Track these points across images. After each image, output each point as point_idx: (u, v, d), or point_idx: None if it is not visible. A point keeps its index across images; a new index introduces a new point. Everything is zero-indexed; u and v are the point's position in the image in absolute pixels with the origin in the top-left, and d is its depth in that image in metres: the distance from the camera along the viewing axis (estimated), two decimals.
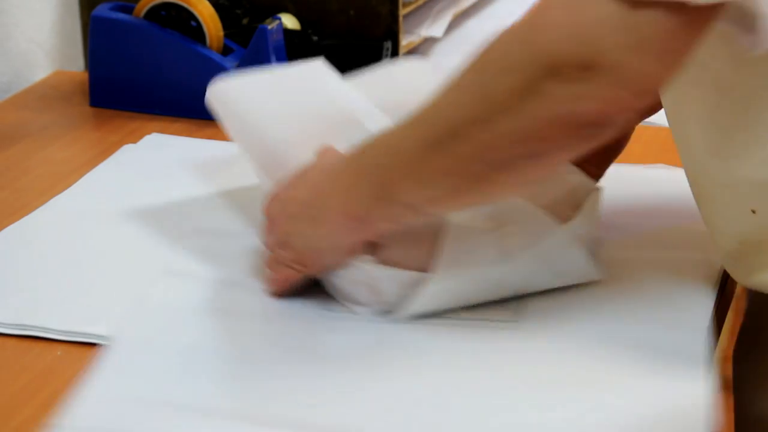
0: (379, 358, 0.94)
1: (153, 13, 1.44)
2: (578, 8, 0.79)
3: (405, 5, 1.51)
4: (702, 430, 0.85)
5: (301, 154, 1.02)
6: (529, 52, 0.81)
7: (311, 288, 1.02)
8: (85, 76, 1.51)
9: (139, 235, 1.14)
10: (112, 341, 0.95)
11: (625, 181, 1.17)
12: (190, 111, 1.43)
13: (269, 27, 1.40)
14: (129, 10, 1.45)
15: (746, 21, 0.81)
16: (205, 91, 1.42)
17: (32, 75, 1.57)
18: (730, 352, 1.04)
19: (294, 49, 1.47)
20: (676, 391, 0.89)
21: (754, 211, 0.93)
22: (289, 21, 1.50)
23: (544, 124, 0.82)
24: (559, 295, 1.02)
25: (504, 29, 0.84)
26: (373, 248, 0.97)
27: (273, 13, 1.49)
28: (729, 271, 1.00)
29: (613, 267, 1.05)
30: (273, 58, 1.40)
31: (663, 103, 0.97)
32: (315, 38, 1.49)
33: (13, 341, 0.98)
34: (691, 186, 1.00)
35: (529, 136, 0.83)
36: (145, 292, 1.02)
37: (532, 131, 0.83)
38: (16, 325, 0.99)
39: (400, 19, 1.48)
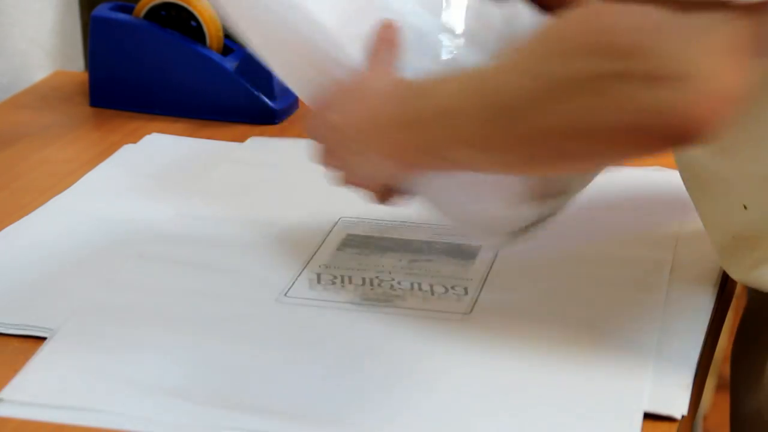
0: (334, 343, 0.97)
1: (153, 13, 1.44)
2: (651, 15, 0.76)
3: None
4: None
5: (348, 51, 0.94)
6: (603, 51, 0.78)
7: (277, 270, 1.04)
8: (85, 76, 1.51)
9: (138, 235, 1.14)
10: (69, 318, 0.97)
11: (620, 183, 1.17)
12: (190, 111, 1.43)
13: None
14: (129, 10, 1.45)
15: None
16: (205, 91, 1.43)
17: (32, 75, 1.57)
18: (728, 352, 1.04)
19: None
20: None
21: (745, 207, 0.93)
22: None
23: (609, 128, 0.80)
24: (527, 288, 1.03)
25: (568, 15, 0.80)
26: None
27: None
28: (725, 267, 1.00)
29: (607, 266, 1.06)
30: None
31: None
32: None
33: (14, 341, 0.98)
34: (684, 181, 0.99)
35: (591, 136, 0.81)
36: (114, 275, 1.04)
37: (594, 131, 0.80)
38: (16, 325, 0.99)
39: None
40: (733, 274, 0.99)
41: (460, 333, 0.98)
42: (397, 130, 0.91)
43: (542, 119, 0.82)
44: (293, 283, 1.05)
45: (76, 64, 1.65)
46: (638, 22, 0.77)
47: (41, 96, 1.51)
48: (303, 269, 1.07)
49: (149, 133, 1.38)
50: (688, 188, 0.99)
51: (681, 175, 1.00)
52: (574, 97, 0.80)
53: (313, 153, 0.97)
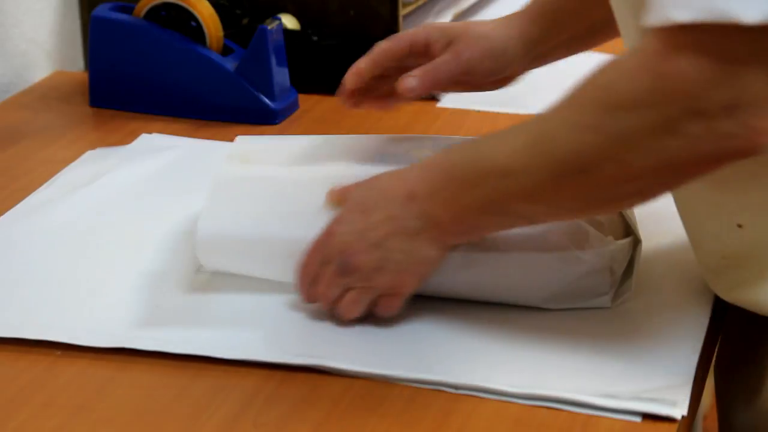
0: None
1: (153, 13, 1.44)
2: (705, 46, 0.79)
3: (405, 5, 1.51)
4: None
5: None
6: (663, 94, 0.81)
7: None
8: (85, 76, 1.51)
9: (138, 235, 1.14)
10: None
11: None
12: (190, 111, 1.43)
13: (269, 27, 1.40)
14: (129, 10, 1.45)
15: None
16: (204, 91, 1.43)
17: (32, 75, 1.57)
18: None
19: (294, 49, 1.47)
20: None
21: (740, 226, 0.94)
22: (289, 21, 1.50)
23: (689, 162, 0.83)
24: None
25: (617, 66, 0.84)
26: None
27: (273, 13, 1.49)
28: (710, 285, 1.00)
29: None
30: (273, 58, 1.40)
31: None
32: (315, 38, 1.50)
33: (11, 342, 0.98)
34: (675, 202, 1.00)
35: (670, 173, 0.84)
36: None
37: (673, 168, 0.83)
38: (10, 326, 0.99)
39: (400, 19, 1.48)
40: (719, 293, 1.00)
41: None
42: (459, 192, 0.92)
43: (619, 169, 0.84)
44: None
45: (76, 64, 1.65)
46: (697, 62, 0.79)
47: (41, 96, 1.51)
48: None
49: (149, 133, 1.38)
50: (678, 209, 1.00)
51: (674, 200, 1.00)
52: (652, 143, 0.82)
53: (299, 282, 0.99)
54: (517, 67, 1.10)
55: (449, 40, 1.09)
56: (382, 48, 1.11)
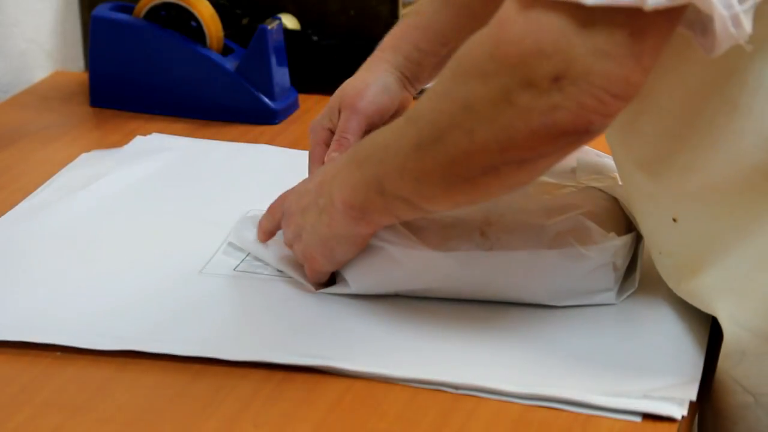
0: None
1: (153, 13, 1.44)
2: (540, 20, 0.80)
3: (405, 5, 1.51)
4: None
5: None
6: (498, 64, 0.82)
7: None
8: (85, 76, 1.51)
9: (137, 236, 1.14)
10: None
11: None
12: (190, 111, 1.43)
13: (269, 27, 1.40)
14: (129, 10, 1.45)
15: (702, 24, 0.81)
16: (205, 91, 1.43)
17: (32, 75, 1.57)
18: None
19: (294, 49, 1.47)
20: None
21: (675, 219, 0.94)
22: (289, 21, 1.50)
23: (522, 134, 0.82)
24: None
25: (475, 37, 0.84)
26: None
27: (273, 13, 1.49)
28: (665, 281, 1.01)
29: None
30: (273, 58, 1.40)
31: None
32: (315, 38, 1.50)
33: (11, 342, 0.98)
34: (626, 198, 1.01)
35: (509, 146, 0.84)
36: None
37: (510, 141, 0.83)
38: (9, 329, 0.99)
39: (401, 19, 1.48)
40: (672, 289, 1.00)
41: None
42: (349, 168, 0.96)
43: (465, 139, 0.85)
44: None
45: (76, 64, 1.65)
46: (534, 31, 0.80)
47: (41, 96, 1.51)
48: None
49: (149, 133, 1.38)
50: (628, 203, 1.01)
51: (624, 192, 1.01)
52: (490, 111, 0.83)
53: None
54: (403, 95, 1.12)
55: (338, 111, 1.10)
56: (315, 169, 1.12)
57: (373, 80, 1.10)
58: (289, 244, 1.04)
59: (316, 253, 1.01)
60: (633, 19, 0.79)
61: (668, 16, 0.80)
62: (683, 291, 0.98)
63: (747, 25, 0.80)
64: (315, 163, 1.10)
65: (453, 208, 0.97)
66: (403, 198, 0.92)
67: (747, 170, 0.89)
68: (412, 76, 1.11)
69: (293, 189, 1.05)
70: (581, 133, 0.82)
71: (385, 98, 1.09)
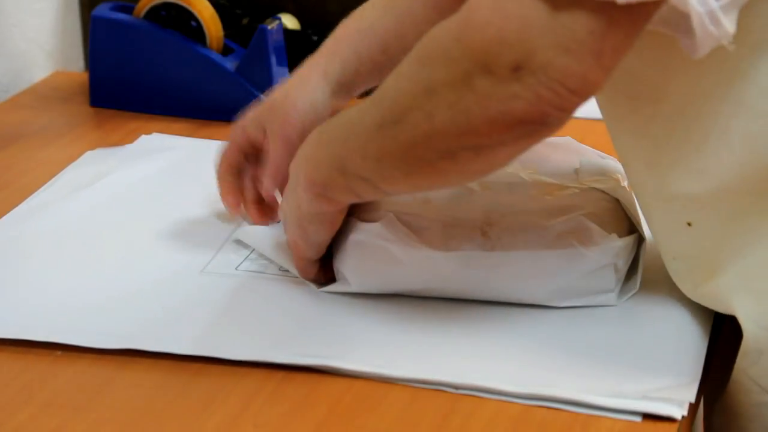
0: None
1: (153, 13, 1.44)
2: (506, 9, 0.79)
3: None
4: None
5: None
6: (462, 49, 0.81)
7: None
8: (85, 76, 1.51)
9: (139, 236, 1.14)
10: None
11: None
12: (190, 111, 1.43)
13: (269, 27, 1.40)
14: (129, 10, 1.45)
15: (682, 23, 0.81)
16: (205, 91, 1.43)
17: (32, 75, 1.57)
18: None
19: (294, 49, 1.47)
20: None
21: (689, 224, 0.94)
22: (289, 21, 1.50)
23: (479, 120, 0.82)
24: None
25: (444, 22, 0.84)
26: None
27: (273, 13, 1.50)
28: (678, 286, 1.00)
29: None
30: (273, 58, 1.40)
31: (603, 117, 0.98)
32: (315, 38, 1.49)
33: (11, 342, 0.98)
34: (638, 203, 1.01)
35: (466, 131, 0.83)
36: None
37: (468, 126, 0.83)
38: (12, 327, 0.99)
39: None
40: (686, 294, 1.00)
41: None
42: (314, 146, 0.96)
43: (424, 121, 0.85)
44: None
45: (76, 64, 1.66)
46: (499, 19, 0.80)
47: (41, 96, 1.51)
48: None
49: (149, 133, 1.38)
50: (640, 209, 1.01)
51: (636, 197, 1.01)
52: (450, 95, 0.83)
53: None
54: (337, 103, 1.12)
55: (263, 127, 1.11)
56: (224, 168, 1.13)
57: (301, 100, 1.09)
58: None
59: (297, 237, 1.01)
60: (597, 16, 0.78)
61: (634, 15, 0.79)
62: (699, 294, 0.98)
63: (727, 23, 0.80)
64: (225, 185, 1.13)
65: (413, 191, 0.98)
66: (363, 178, 0.92)
67: (762, 171, 0.88)
68: (348, 84, 1.11)
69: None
70: (537, 124, 0.82)
71: (311, 118, 1.09)
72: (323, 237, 1.01)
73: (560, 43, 0.79)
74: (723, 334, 1.01)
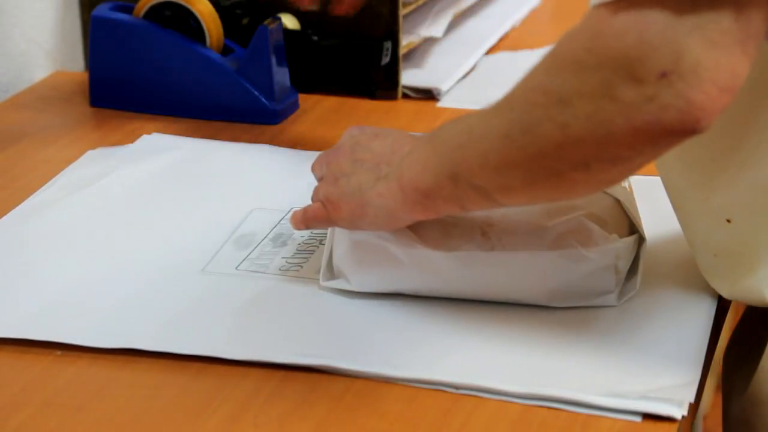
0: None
1: (153, 13, 1.44)
2: (643, 13, 0.77)
3: (405, 5, 1.51)
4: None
5: None
6: (597, 58, 0.79)
7: None
8: (85, 76, 1.51)
9: (140, 236, 1.14)
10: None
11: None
12: (190, 111, 1.43)
13: (269, 27, 1.40)
14: (129, 10, 1.45)
15: None
16: (205, 91, 1.43)
17: (32, 75, 1.57)
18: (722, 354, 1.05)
19: (294, 49, 1.47)
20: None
21: (729, 221, 0.94)
22: (289, 21, 1.50)
23: (623, 131, 0.80)
24: None
25: (570, 31, 0.82)
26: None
27: (273, 13, 1.49)
28: (711, 284, 1.00)
29: None
30: (273, 58, 1.40)
31: None
32: (315, 38, 1.49)
33: (11, 342, 0.98)
34: (671, 202, 1.00)
35: (606, 142, 0.81)
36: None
37: (608, 137, 0.81)
38: (12, 326, 0.99)
39: (400, 19, 1.48)
40: (720, 292, 1.00)
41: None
42: (425, 149, 0.93)
43: (557, 132, 0.82)
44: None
45: (76, 64, 1.65)
46: (636, 24, 0.78)
47: (41, 96, 1.51)
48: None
49: (149, 133, 1.38)
50: (673, 208, 1.00)
51: (668, 196, 1.00)
52: (587, 105, 0.80)
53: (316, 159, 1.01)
54: None
55: None
56: None
57: None
58: (319, 178, 1.01)
59: (345, 205, 0.97)
60: (737, 9, 0.76)
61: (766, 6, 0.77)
62: (738, 290, 0.97)
63: None
64: None
65: (530, 202, 0.95)
66: (477, 187, 0.89)
67: None
68: None
69: (352, 136, 1.01)
70: (687, 133, 0.79)
71: None
72: (373, 228, 0.98)
73: (708, 38, 0.76)
74: (735, 329, 1.01)
